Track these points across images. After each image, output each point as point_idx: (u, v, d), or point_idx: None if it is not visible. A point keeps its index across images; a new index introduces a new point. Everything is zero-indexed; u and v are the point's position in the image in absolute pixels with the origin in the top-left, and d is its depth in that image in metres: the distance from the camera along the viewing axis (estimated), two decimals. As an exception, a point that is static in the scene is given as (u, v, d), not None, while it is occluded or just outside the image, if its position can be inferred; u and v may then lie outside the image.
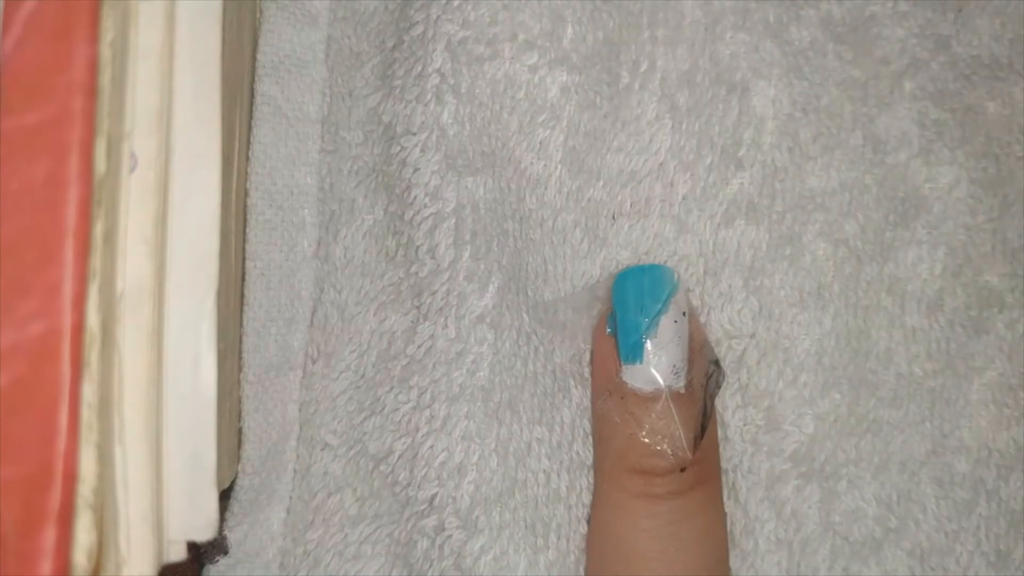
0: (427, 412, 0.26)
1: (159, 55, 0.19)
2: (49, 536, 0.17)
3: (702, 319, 0.27)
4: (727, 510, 0.26)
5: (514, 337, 0.26)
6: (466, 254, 0.26)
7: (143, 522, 0.19)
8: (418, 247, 0.26)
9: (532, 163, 0.26)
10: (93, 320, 0.18)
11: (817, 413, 0.27)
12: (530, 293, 0.27)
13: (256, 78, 0.26)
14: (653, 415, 0.24)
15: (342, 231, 0.27)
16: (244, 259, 0.25)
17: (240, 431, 0.25)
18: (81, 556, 0.17)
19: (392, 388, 0.26)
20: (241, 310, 0.25)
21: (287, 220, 0.26)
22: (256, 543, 0.26)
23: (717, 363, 0.25)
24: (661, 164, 0.26)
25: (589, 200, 0.26)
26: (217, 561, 0.26)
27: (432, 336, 0.26)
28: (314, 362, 0.27)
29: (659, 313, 0.25)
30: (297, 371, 0.27)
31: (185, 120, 0.20)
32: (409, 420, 0.26)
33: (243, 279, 0.25)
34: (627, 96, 0.26)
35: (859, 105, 0.27)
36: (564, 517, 0.26)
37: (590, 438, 0.26)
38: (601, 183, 0.26)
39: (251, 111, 0.26)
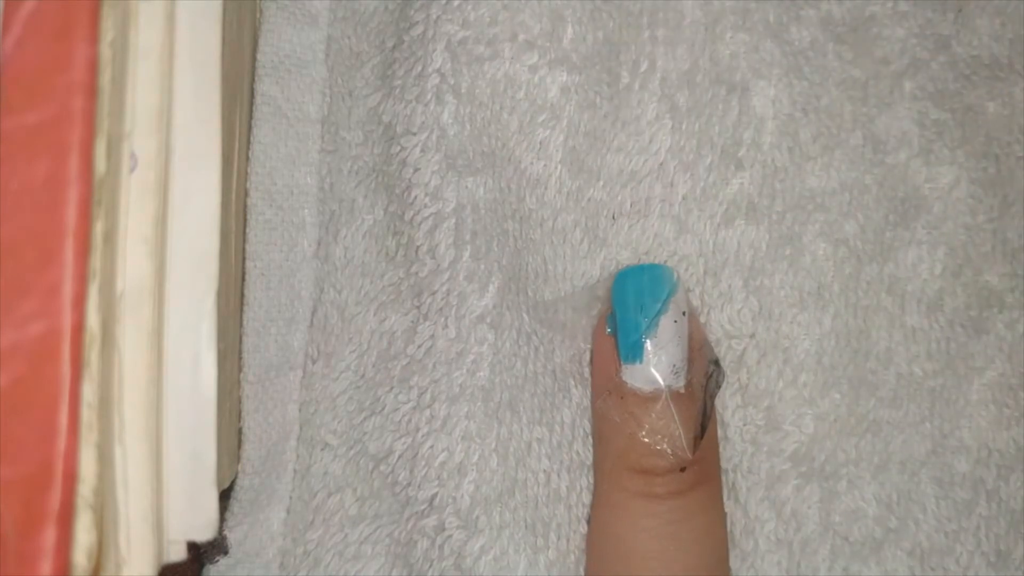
0: (427, 412, 0.26)
1: (159, 55, 0.19)
2: (49, 536, 0.17)
3: (702, 319, 0.27)
4: (727, 510, 0.26)
5: (514, 337, 0.26)
6: (466, 254, 0.26)
7: (143, 522, 0.19)
8: (418, 247, 0.26)
9: (532, 163, 0.26)
10: (93, 320, 0.18)
11: (817, 413, 0.27)
12: (530, 293, 0.27)
13: (256, 78, 0.26)
14: (653, 415, 0.24)
15: (342, 231, 0.27)
16: (244, 259, 0.25)
17: (240, 431, 0.25)
18: (81, 556, 0.17)
19: (392, 388, 0.26)
20: (241, 310, 0.25)
21: (287, 220, 0.26)
22: (256, 543, 0.26)
23: (717, 363, 0.25)
24: (661, 164, 0.26)
25: (589, 200, 0.26)
26: (217, 561, 0.26)
27: (432, 336, 0.26)
28: (314, 362, 0.27)
29: (659, 313, 0.25)
30: (297, 371, 0.27)
31: (185, 120, 0.20)
32: (409, 420, 0.26)
33: (243, 279, 0.25)
34: (627, 96, 0.26)
35: (859, 105, 0.27)
36: (564, 517, 0.26)
37: (590, 438, 0.26)
38: (601, 183, 0.26)
39: (251, 111, 0.26)
